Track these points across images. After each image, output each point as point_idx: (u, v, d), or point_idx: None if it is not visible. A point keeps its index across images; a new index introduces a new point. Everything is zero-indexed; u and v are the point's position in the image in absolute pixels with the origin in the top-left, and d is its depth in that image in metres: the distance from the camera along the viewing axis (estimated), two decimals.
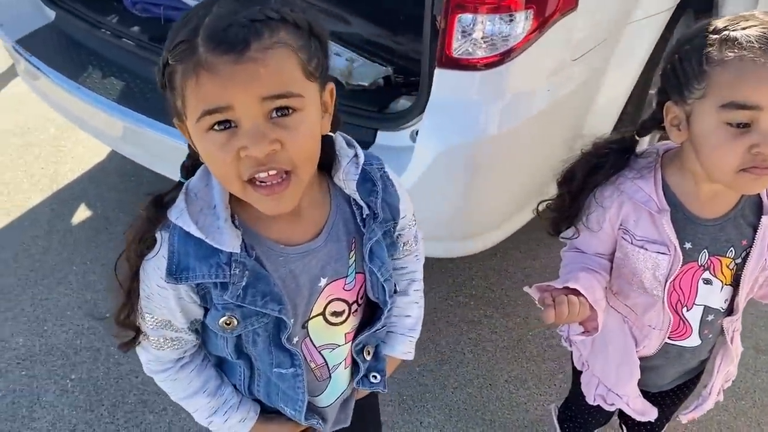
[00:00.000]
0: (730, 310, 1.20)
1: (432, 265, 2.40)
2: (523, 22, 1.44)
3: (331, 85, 0.86)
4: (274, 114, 0.77)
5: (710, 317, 1.19)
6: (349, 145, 0.94)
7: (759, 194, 1.12)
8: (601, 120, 1.89)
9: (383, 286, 0.98)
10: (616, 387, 1.29)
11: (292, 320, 0.93)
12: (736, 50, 0.94)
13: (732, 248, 1.12)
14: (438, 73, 1.47)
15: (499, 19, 1.42)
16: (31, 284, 2.26)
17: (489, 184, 1.63)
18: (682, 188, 1.10)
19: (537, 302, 1.19)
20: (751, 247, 1.11)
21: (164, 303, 0.90)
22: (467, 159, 1.54)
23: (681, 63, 1.01)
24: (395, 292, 1.05)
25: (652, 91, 2.22)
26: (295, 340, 0.97)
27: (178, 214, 0.85)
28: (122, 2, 2.22)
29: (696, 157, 1.03)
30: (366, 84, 1.80)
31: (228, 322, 0.90)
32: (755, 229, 1.11)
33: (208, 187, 0.87)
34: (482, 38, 1.43)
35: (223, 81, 0.74)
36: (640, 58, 1.88)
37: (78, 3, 2.25)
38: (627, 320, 1.24)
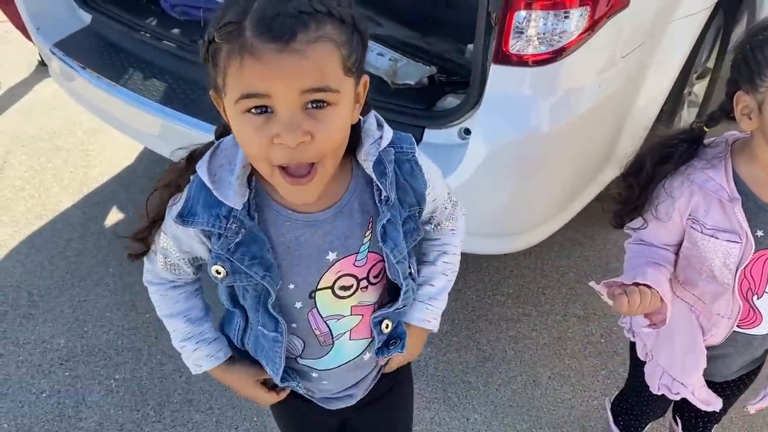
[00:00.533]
0: None
1: (467, 265, 2.42)
2: (577, 19, 1.46)
3: (365, 78, 0.88)
4: (309, 105, 0.79)
5: None
6: (379, 126, 0.96)
7: None
8: (640, 118, 1.91)
9: (397, 267, 1.00)
10: (681, 376, 1.30)
11: (279, 286, 0.96)
12: None
13: None
14: (494, 69, 1.49)
15: (554, 17, 1.44)
16: (68, 286, 2.27)
17: (538, 180, 1.64)
18: (753, 177, 1.11)
19: (605, 296, 1.21)
20: None
21: (175, 236, 0.98)
22: (520, 155, 1.56)
23: (753, 52, 1.04)
24: (410, 274, 1.06)
25: (687, 90, 2.25)
26: (299, 305, 1.00)
27: (201, 165, 0.92)
28: (159, 5, 2.24)
29: None
30: (412, 83, 1.82)
31: (218, 271, 0.95)
32: None
33: (236, 147, 0.92)
34: (538, 35, 1.45)
35: (265, 69, 0.76)
36: (680, 56, 1.90)
37: (114, 6, 2.27)
38: (694, 309, 1.25)
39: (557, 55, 1.47)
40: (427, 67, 1.88)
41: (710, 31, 2.22)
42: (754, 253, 1.13)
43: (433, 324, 1.15)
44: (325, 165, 0.84)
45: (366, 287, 1.02)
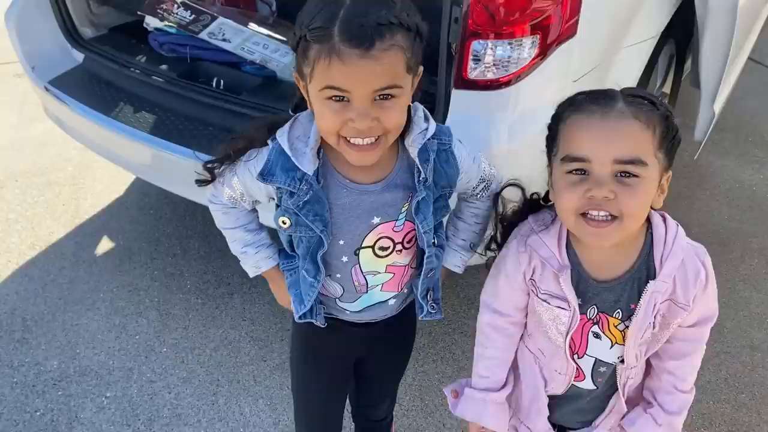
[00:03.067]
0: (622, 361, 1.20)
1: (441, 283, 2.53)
2: (528, 47, 1.61)
3: (420, 69, 1.09)
4: (377, 97, 1.01)
5: (602, 369, 1.22)
6: (426, 119, 1.16)
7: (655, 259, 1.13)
8: None
9: (424, 236, 1.20)
10: (527, 420, 1.31)
11: (331, 241, 1.18)
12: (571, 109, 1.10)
13: (619, 310, 1.14)
14: (455, 93, 1.63)
15: (508, 45, 1.59)
16: (61, 311, 2.36)
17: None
18: (581, 245, 1.13)
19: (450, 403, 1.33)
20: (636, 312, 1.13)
21: (245, 183, 1.22)
22: None
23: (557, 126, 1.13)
24: (434, 243, 1.26)
25: None
26: (345, 259, 1.22)
27: (281, 134, 1.15)
28: (148, 43, 2.38)
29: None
30: None
31: (284, 221, 1.19)
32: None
33: (310, 123, 1.14)
34: (493, 62, 1.60)
35: (348, 70, 0.97)
36: (631, 82, 2.06)
37: (105, 45, 2.41)
38: (537, 361, 1.27)
39: (511, 79, 1.62)
40: None
41: (661, 57, 2.40)
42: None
43: (461, 269, 1.41)
44: (387, 138, 1.08)
45: (400, 250, 1.24)
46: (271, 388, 2.07)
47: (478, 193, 1.33)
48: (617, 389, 1.24)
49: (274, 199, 1.23)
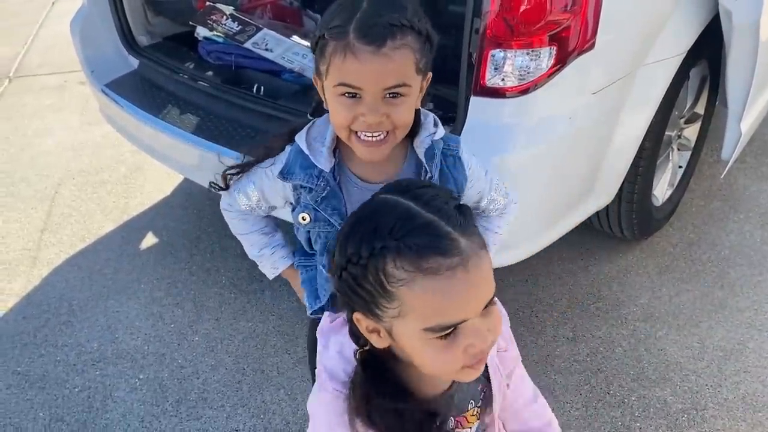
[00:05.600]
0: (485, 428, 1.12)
1: None
2: (546, 57, 1.69)
3: (429, 74, 1.17)
4: (387, 95, 1.09)
5: None
6: (435, 124, 1.25)
7: None
8: (620, 154, 2.10)
9: None
10: None
11: None
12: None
13: (471, 401, 1.06)
14: (473, 100, 1.72)
15: (526, 54, 1.67)
16: (104, 298, 2.52)
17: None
18: (410, 375, 0.96)
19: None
20: (487, 386, 1.07)
21: (262, 190, 1.30)
22: (497, 174, 1.76)
23: (357, 282, 0.84)
24: None
25: (669, 132, 2.43)
26: None
27: (300, 136, 1.24)
28: (197, 51, 2.54)
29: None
30: None
31: (304, 217, 1.26)
32: (486, 377, 1.06)
33: (326, 126, 1.23)
34: (511, 70, 1.68)
35: (361, 66, 1.06)
36: (655, 99, 2.10)
37: (158, 52, 2.59)
38: None
39: (529, 88, 1.70)
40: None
41: (692, 78, 2.43)
42: None
43: None
44: (396, 135, 1.14)
45: None
46: (293, 379, 2.16)
47: (492, 210, 1.39)
48: None
49: (291, 203, 1.31)
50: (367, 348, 0.93)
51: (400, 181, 0.94)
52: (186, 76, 2.44)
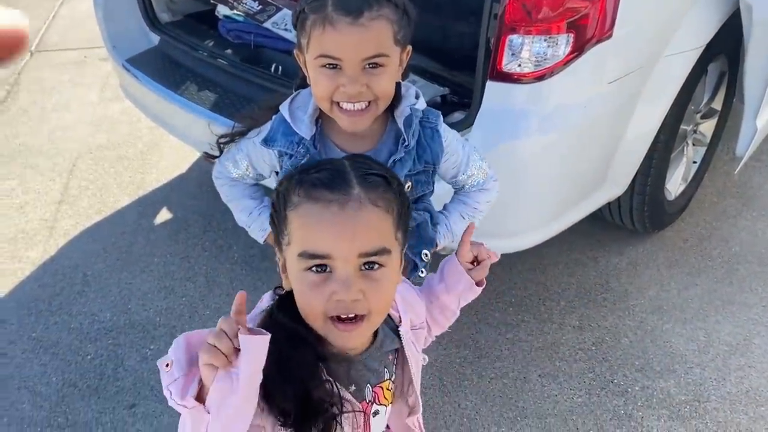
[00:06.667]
0: (410, 410, 1.12)
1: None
2: (563, 45, 1.70)
3: (408, 48, 1.20)
4: (367, 66, 1.13)
5: None
6: (417, 97, 1.28)
7: (393, 321, 1.05)
8: (634, 145, 2.11)
9: None
10: None
11: None
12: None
13: (386, 369, 1.04)
14: (489, 85, 1.73)
15: (543, 41, 1.68)
16: (118, 270, 2.56)
17: (527, 186, 1.85)
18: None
19: None
20: (397, 359, 1.06)
21: (249, 156, 1.35)
22: (509, 160, 1.77)
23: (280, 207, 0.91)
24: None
25: (685, 126, 2.43)
26: None
27: (284, 106, 1.29)
28: (217, 29, 2.57)
29: None
30: (425, 100, 2.07)
31: None
32: (396, 349, 1.05)
33: (309, 97, 1.26)
34: (528, 57, 1.69)
35: (339, 37, 1.10)
36: (671, 91, 2.10)
37: (179, 29, 2.62)
38: None
39: (545, 74, 1.71)
40: (441, 88, 2.13)
41: (710, 73, 2.42)
42: (361, 411, 1.00)
43: (441, 244, 1.47)
44: (378, 105, 1.19)
45: None
46: None
47: (470, 186, 1.42)
48: None
49: (277, 172, 1.36)
50: (284, 291, 0.96)
51: (360, 154, 1.06)
52: (206, 54, 2.47)
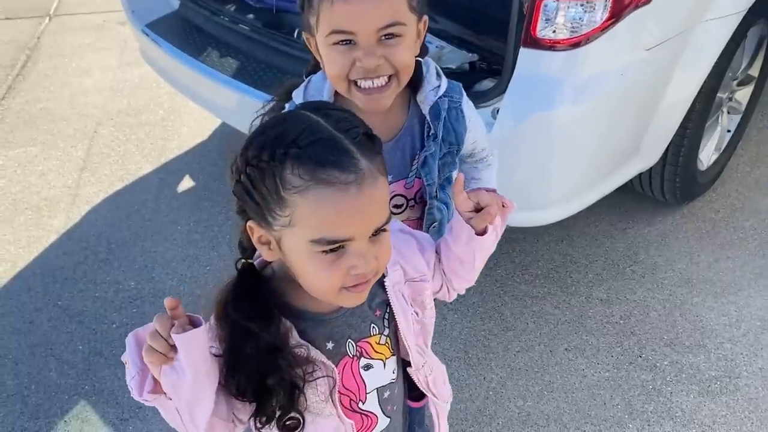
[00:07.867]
0: (406, 367, 1.09)
1: (500, 247, 2.56)
2: (600, 10, 1.62)
3: (425, 18, 1.12)
4: (383, 37, 1.05)
5: (386, 394, 1.07)
6: (438, 76, 1.20)
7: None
8: (669, 114, 2.04)
9: (427, 188, 1.25)
10: None
11: None
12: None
13: (373, 325, 1.01)
14: (522, 52, 1.66)
15: (579, 6, 1.61)
16: (142, 239, 2.56)
17: (561, 157, 1.80)
18: (299, 294, 0.93)
19: None
20: (388, 313, 1.03)
21: None
22: (543, 131, 1.72)
23: (253, 184, 0.83)
24: (435, 195, 1.29)
25: (721, 94, 2.35)
26: None
27: (297, 93, 1.21)
28: None
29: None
30: (453, 67, 2.01)
31: None
32: (385, 303, 1.02)
33: (323, 82, 1.18)
34: (563, 22, 1.62)
35: (350, 8, 1.02)
36: (710, 58, 2.02)
37: None
38: None
39: (581, 41, 1.64)
40: (470, 54, 2.07)
41: (749, 38, 2.32)
42: (337, 366, 0.97)
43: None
44: (399, 78, 1.09)
45: (413, 206, 1.30)
46: None
47: (477, 159, 1.37)
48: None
49: None
50: (250, 261, 0.94)
51: (313, 101, 1.04)
52: (227, 19, 2.42)
